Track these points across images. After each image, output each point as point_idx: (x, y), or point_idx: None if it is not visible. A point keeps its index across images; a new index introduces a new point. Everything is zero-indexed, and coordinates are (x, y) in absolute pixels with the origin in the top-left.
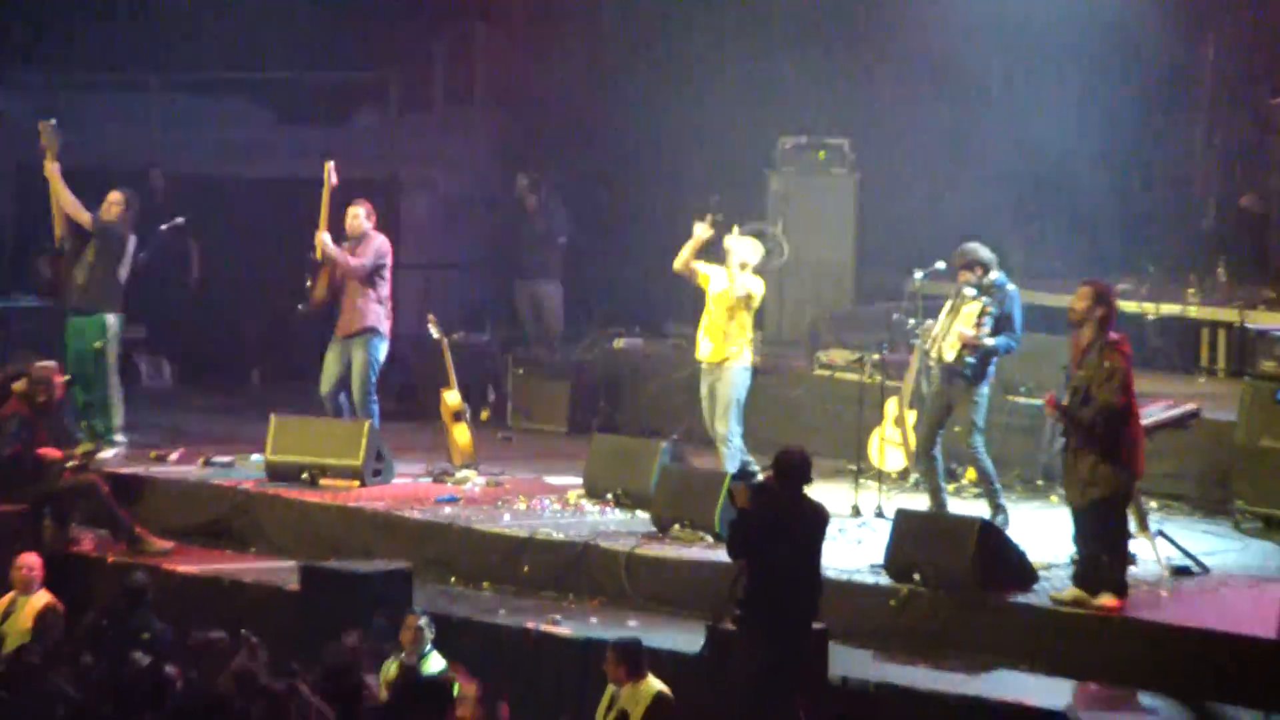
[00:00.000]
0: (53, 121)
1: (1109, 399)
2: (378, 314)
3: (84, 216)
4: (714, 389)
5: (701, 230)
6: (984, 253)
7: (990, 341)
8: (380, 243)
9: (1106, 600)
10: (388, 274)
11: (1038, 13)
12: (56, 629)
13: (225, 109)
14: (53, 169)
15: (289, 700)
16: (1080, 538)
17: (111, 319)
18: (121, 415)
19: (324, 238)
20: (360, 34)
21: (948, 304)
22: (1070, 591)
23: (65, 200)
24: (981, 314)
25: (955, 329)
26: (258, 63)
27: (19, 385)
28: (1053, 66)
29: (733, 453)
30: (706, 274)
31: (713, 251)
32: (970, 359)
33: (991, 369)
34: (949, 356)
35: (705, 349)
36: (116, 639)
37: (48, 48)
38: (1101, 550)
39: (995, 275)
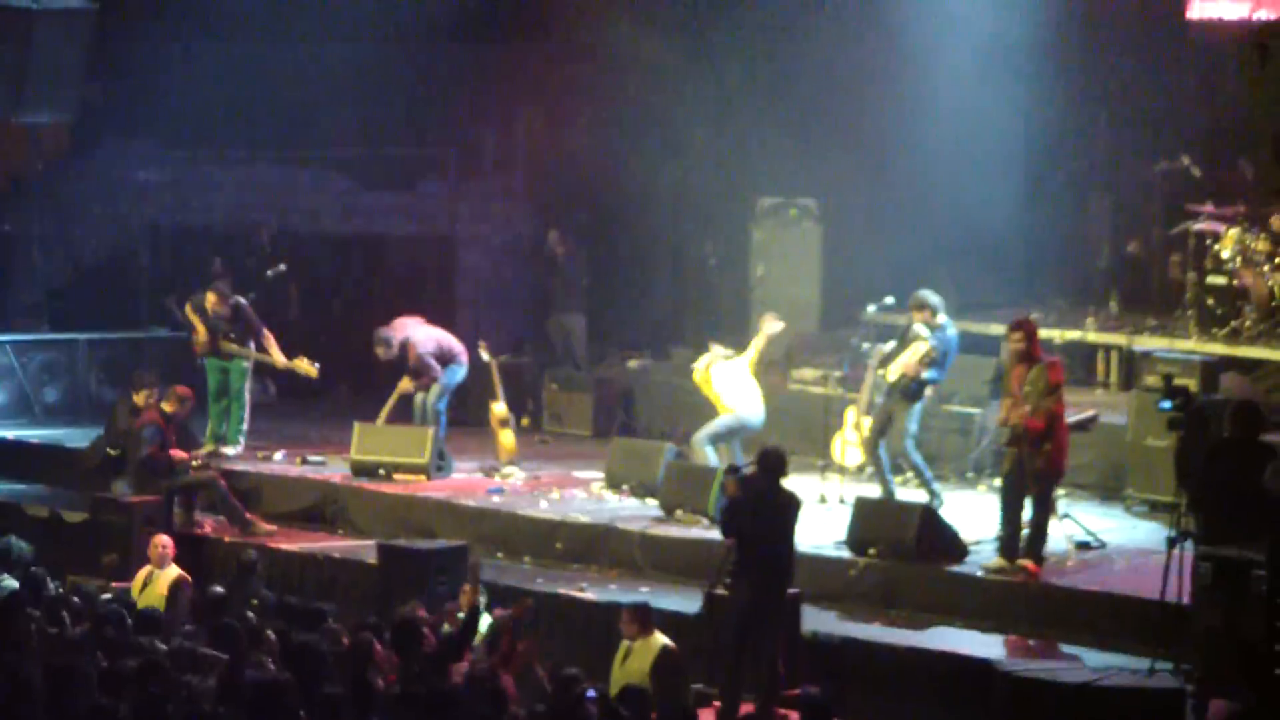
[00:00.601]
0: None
1: (1050, 407)
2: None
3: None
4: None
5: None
6: (933, 299)
7: (926, 375)
8: (422, 351)
9: (1028, 564)
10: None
11: (967, 98)
12: (186, 597)
13: (316, 178)
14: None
15: (366, 649)
16: (1007, 517)
17: (246, 365)
18: (248, 421)
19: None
20: (424, 117)
21: (901, 335)
22: (996, 561)
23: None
24: (925, 355)
25: (901, 360)
26: (343, 141)
27: (140, 396)
28: (978, 136)
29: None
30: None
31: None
32: (908, 384)
33: (926, 391)
34: (892, 378)
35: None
36: (233, 604)
37: (178, 130)
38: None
39: (941, 318)
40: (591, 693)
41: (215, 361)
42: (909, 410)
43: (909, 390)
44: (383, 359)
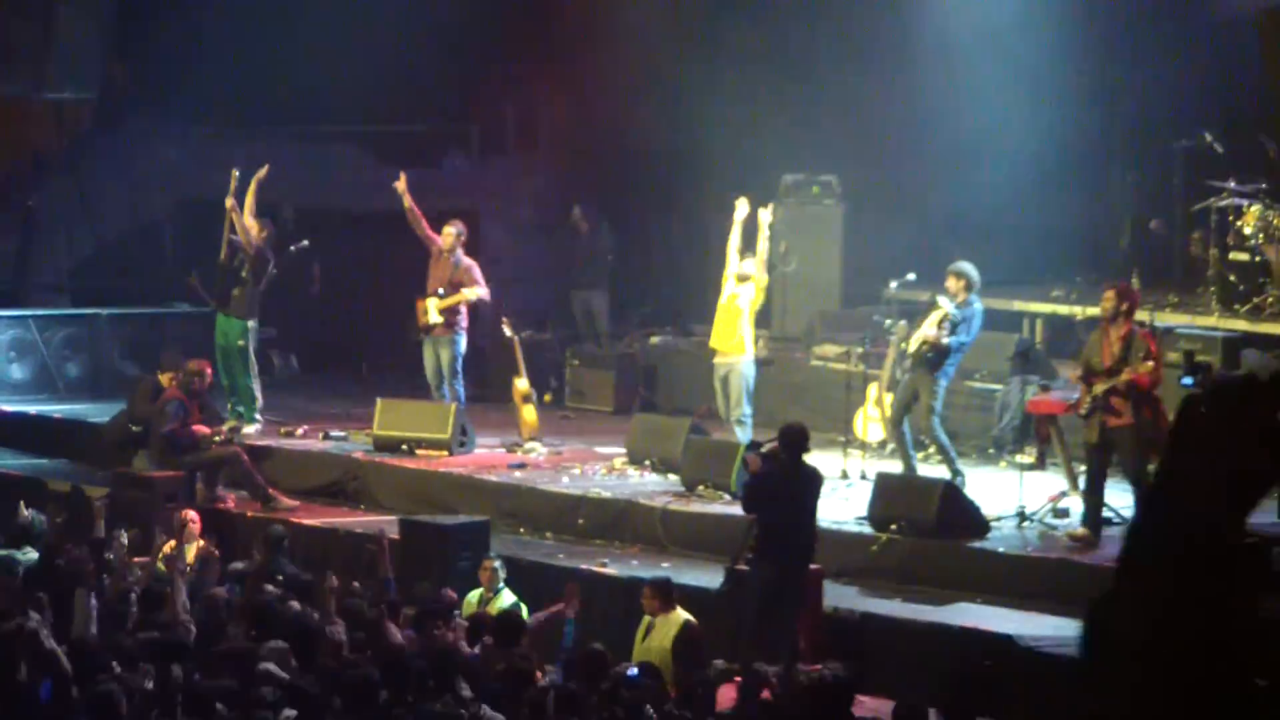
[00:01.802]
0: (236, 171)
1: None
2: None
3: (251, 241)
4: (727, 379)
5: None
6: (972, 271)
7: (946, 341)
8: (476, 273)
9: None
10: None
11: (991, 79)
12: (213, 570)
13: (340, 154)
14: (231, 202)
15: (380, 624)
16: (1091, 487)
17: (252, 324)
18: (260, 399)
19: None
20: (448, 94)
21: (925, 312)
22: (1081, 531)
23: (245, 226)
24: (943, 319)
25: (922, 329)
26: (366, 117)
27: (165, 377)
28: (1000, 115)
29: (746, 429)
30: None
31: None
32: (929, 354)
33: (949, 366)
34: (912, 349)
35: (717, 343)
36: (257, 578)
37: (203, 107)
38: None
39: (972, 294)
40: (634, 671)
41: (223, 323)
42: (933, 386)
43: (931, 360)
44: (444, 246)
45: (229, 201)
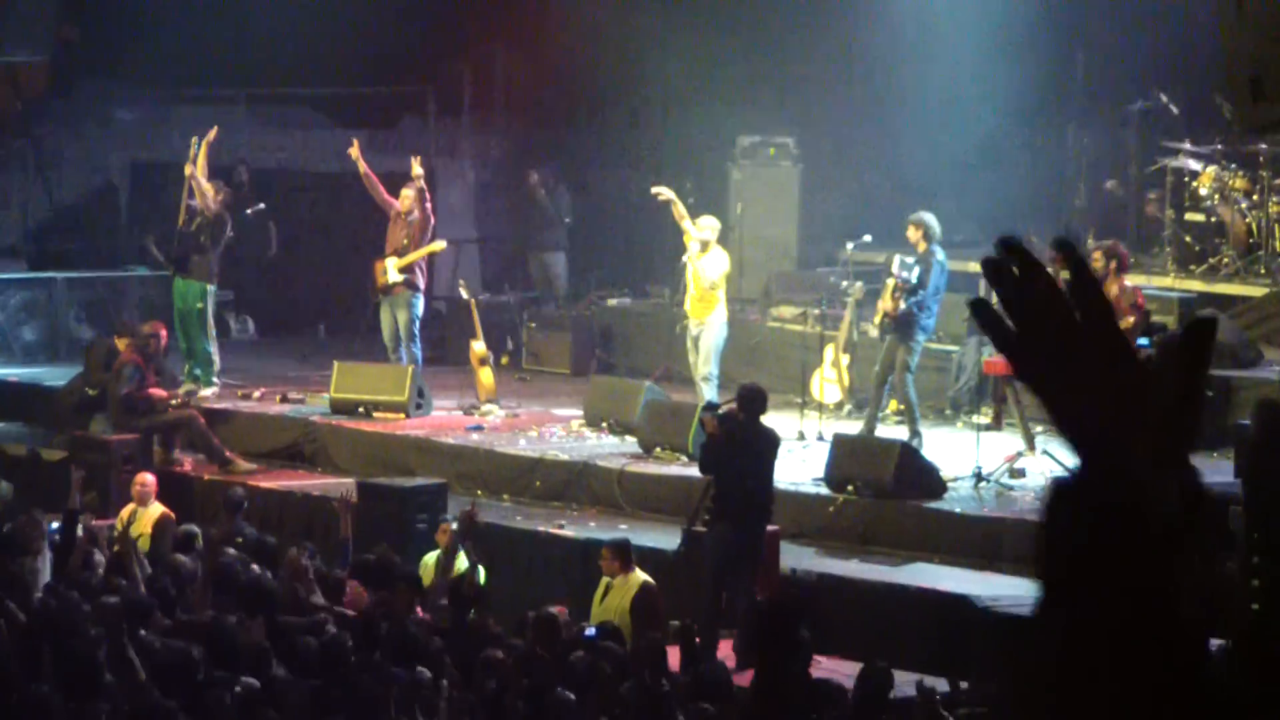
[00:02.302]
0: (195, 139)
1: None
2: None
3: (209, 204)
4: (699, 338)
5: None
6: (932, 222)
7: (905, 306)
8: (431, 222)
9: None
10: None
11: (945, 40)
12: (170, 534)
13: (296, 117)
14: (191, 169)
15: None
16: None
17: (211, 287)
18: (218, 362)
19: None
20: (403, 56)
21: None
22: None
23: (203, 190)
24: (894, 289)
25: (880, 306)
26: (321, 79)
27: (122, 342)
28: (955, 76)
29: (712, 387)
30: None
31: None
32: (890, 326)
33: (921, 326)
34: (877, 324)
35: (691, 310)
36: (216, 541)
37: (157, 69)
38: None
39: (933, 244)
40: (591, 630)
41: (180, 285)
42: (911, 344)
43: (899, 327)
44: (400, 209)
45: (188, 169)
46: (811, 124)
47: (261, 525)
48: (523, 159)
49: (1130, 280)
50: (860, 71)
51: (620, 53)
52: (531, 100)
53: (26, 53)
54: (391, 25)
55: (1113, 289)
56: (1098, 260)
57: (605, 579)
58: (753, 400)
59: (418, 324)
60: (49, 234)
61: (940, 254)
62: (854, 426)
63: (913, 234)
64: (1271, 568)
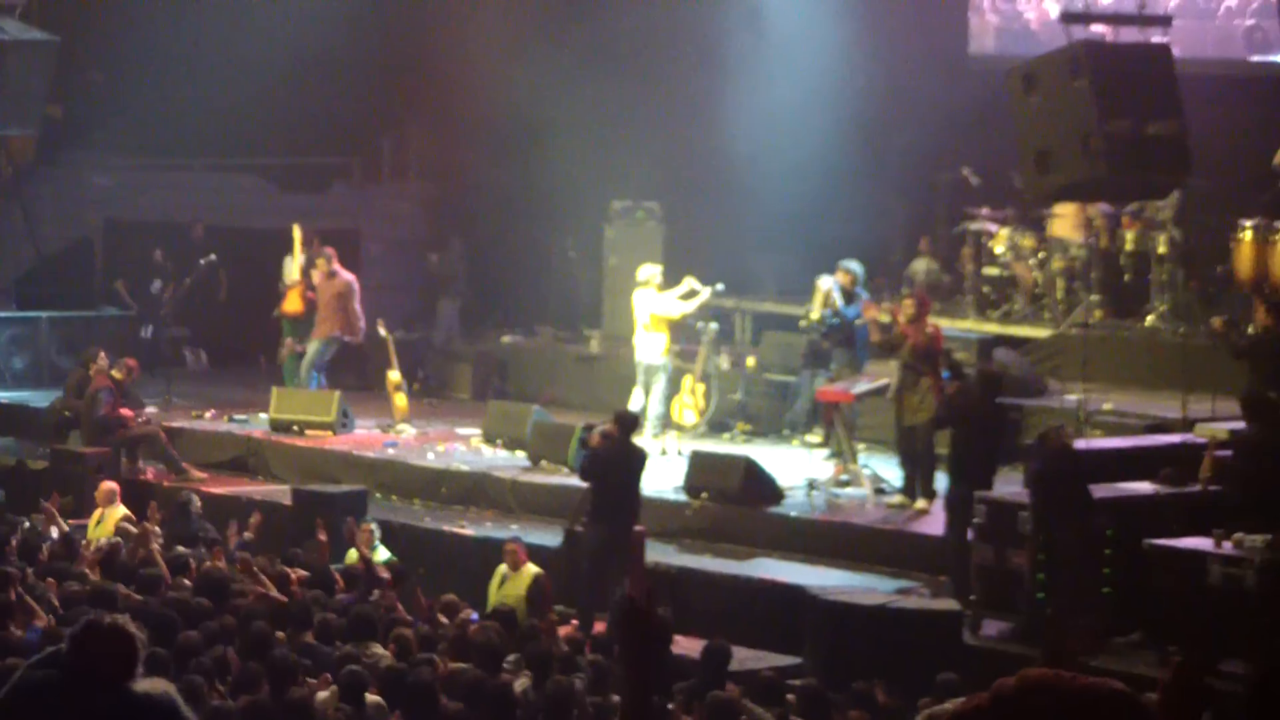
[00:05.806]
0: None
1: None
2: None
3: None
4: (649, 382)
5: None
6: (855, 268)
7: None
8: (356, 303)
9: (921, 505)
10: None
11: (788, 118)
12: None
13: (243, 182)
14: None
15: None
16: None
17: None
18: None
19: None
20: (333, 131)
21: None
22: (899, 498)
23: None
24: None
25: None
26: (266, 150)
27: (95, 367)
28: (799, 149)
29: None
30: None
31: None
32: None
33: (855, 343)
34: (815, 315)
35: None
36: (172, 539)
37: (128, 141)
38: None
39: (858, 286)
40: (475, 615)
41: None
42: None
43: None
44: (315, 280)
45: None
46: (676, 189)
47: (212, 522)
48: (432, 218)
49: (938, 322)
50: (717, 145)
51: (515, 129)
52: (440, 167)
53: (17, 127)
54: (323, 105)
55: (920, 329)
56: (909, 306)
57: (501, 569)
58: (627, 422)
59: (324, 357)
60: (35, 279)
61: (864, 294)
62: (707, 445)
63: (843, 279)
64: (1051, 561)
